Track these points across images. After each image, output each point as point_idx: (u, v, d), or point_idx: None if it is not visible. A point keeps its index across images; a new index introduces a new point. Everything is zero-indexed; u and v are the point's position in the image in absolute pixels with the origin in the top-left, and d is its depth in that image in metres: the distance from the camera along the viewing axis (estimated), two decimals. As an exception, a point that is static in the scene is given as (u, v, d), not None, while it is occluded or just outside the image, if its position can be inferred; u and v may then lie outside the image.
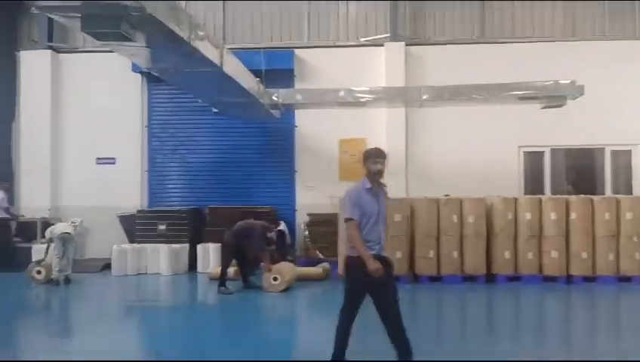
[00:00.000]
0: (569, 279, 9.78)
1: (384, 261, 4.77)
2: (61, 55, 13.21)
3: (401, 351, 4.75)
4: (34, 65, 12.95)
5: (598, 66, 11.78)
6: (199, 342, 6.42)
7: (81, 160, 12.98)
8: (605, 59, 12.00)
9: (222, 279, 9.24)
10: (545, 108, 11.05)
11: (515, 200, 10.13)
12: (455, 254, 9.81)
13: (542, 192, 12.07)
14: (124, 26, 5.67)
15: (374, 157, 4.85)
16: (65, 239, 9.94)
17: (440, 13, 12.67)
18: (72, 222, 12.47)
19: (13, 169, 12.89)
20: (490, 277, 9.83)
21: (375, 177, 4.85)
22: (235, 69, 8.73)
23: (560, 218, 9.82)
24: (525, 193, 12.04)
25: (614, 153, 12.29)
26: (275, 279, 9.01)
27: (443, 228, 9.86)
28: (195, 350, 6.04)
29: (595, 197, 10.15)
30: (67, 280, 9.96)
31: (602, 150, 12.33)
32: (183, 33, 6.42)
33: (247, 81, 9.64)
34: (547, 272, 9.80)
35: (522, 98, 10.74)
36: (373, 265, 4.59)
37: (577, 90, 10.40)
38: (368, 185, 4.85)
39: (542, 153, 12.39)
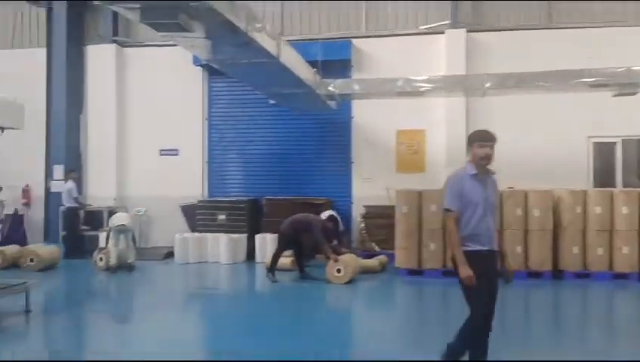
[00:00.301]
0: (642, 276, 9.23)
1: (493, 256, 4.37)
2: (125, 49, 13.62)
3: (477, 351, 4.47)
4: (100, 59, 13.41)
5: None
6: (276, 334, 6.40)
7: (145, 151, 13.38)
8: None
9: (272, 266, 9.36)
10: (616, 96, 10.43)
11: (584, 193, 9.64)
12: (519, 249, 9.43)
13: (612, 185, 11.43)
14: (182, 17, 5.72)
15: (481, 140, 4.33)
16: (120, 231, 10.26)
17: (504, -4, 12.16)
18: (137, 211, 13.02)
19: (82, 159, 13.42)
20: (557, 274, 9.41)
21: (482, 163, 4.32)
22: (291, 59, 8.70)
23: (632, 212, 9.26)
24: (595, 186, 11.45)
25: (691, 144, 11.50)
26: (338, 271, 8.96)
27: (506, 221, 9.48)
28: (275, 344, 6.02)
29: (671, 190, 9.53)
30: (130, 268, 10.28)
31: (678, 141, 11.57)
32: (240, 24, 6.42)
33: (304, 71, 9.59)
34: (618, 269, 9.28)
35: (592, 86, 10.16)
36: (464, 272, 4.20)
37: (652, 77, 9.77)
38: (473, 171, 4.33)
39: (613, 144, 11.73)
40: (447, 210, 4.35)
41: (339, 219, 11.14)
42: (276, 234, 10.86)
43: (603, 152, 11.80)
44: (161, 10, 5.63)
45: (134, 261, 10.42)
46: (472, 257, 4.25)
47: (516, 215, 9.48)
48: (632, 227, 9.23)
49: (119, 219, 10.44)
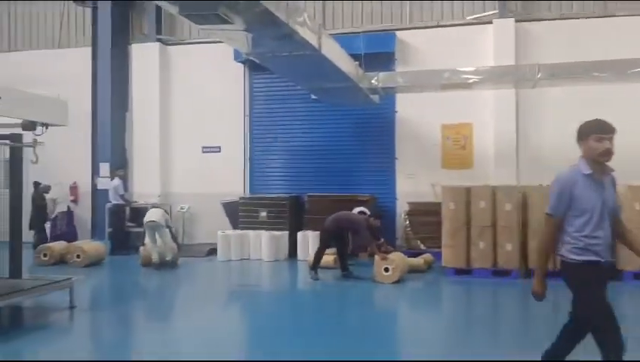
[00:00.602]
0: None
1: (608, 269, 3.78)
2: (169, 47, 13.71)
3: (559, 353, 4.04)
4: (144, 57, 13.55)
5: None
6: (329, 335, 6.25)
7: (189, 148, 13.46)
8: None
9: (314, 264, 9.20)
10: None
11: (644, 188, 9.08)
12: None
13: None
14: (222, 8, 5.59)
15: (599, 132, 3.68)
16: (152, 227, 10.15)
17: (555, -16, 11.60)
18: (180, 208, 13.10)
19: (127, 157, 13.58)
20: (616, 274, 8.87)
21: (602, 159, 3.69)
22: (333, 52, 8.48)
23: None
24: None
25: None
26: (386, 270, 8.71)
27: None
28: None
29: None
30: (172, 265, 10.24)
31: None
32: (280, 15, 6.24)
33: (346, 64, 9.36)
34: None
35: (652, 75, 9.61)
36: (537, 287, 3.81)
37: None
38: (588, 171, 3.68)
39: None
40: (550, 215, 3.74)
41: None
42: (318, 232, 10.72)
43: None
44: (201, 1, 5.51)
45: (172, 258, 10.27)
46: (585, 269, 3.67)
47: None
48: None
49: (150, 215, 10.31)
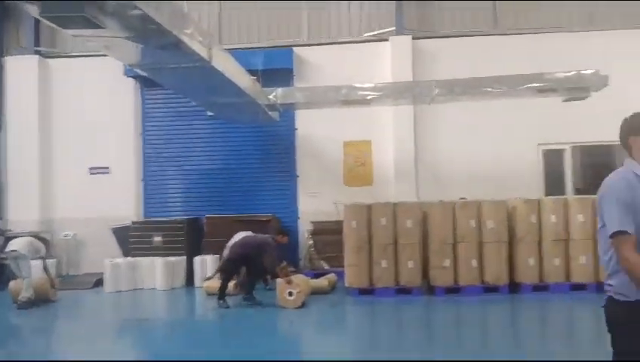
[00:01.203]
0: (599, 286, 8.86)
1: None
2: (50, 60, 12.56)
3: None
4: (20, 71, 12.30)
5: (624, 57, 10.87)
6: None
7: (74, 170, 12.31)
8: (632, 49, 11.09)
9: (221, 293, 8.55)
10: (566, 101, 10.25)
11: (539, 202, 9.27)
12: (474, 262, 8.95)
13: (562, 193, 11.20)
14: (90, 10, 4.92)
15: None
16: (14, 258, 8.86)
17: (449, 3, 11.82)
18: (64, 235, 11.91)
19: (1, 181, 12.20)
20: (514, 287, 8.97)
21: None
22: (226, 65, 7.98)
23: (587, 220, 8.91)
24: (546, 194, 11.18)
25: (642, 149, 11.37)
26: (290, 294, 8.23)
27: (460, 234, 9.01)
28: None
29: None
30: (26, 305, 8.72)
31: (628, 146, 11.43)
32: (162, 20, 5.67)
33: (242, 79, 8.88)
34: (576, 279, 8.89)
35: (541, 91, 9.95)
36: None
37: (601, 81, 9.61)
38: None
39: (562, 151, 11.53)
40: (619, 233, 2.77)
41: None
42: (217, 256, 10.11)
43: (552, 159, 11.58)
44: (64, 1, 4.82)
45: (29, 297, 8.80)
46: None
47: (470, 227, 9.01)
48: (587, 236, 8.85)
49: (11, 244, 9.03)
